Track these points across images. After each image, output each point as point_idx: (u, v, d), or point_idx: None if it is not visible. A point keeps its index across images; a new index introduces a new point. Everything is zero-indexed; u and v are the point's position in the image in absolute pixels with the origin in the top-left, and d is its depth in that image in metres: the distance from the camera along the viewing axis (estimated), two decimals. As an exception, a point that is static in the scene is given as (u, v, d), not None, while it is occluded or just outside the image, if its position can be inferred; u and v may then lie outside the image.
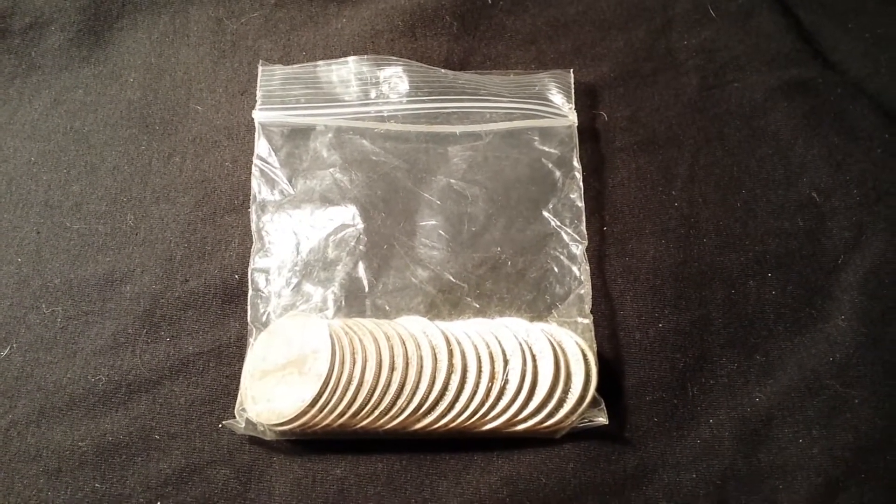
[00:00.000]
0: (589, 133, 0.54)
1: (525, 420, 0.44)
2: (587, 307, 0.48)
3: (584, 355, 0.46)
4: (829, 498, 0.44)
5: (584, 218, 0.50)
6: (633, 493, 0.44)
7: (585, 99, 0.56)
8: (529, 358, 0.45)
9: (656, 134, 0.55)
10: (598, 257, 0.50)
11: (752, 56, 0.57)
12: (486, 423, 0.44)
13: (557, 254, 0.49)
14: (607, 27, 0.59)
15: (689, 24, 0.58)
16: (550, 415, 0.44)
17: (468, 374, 0.45)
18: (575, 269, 0.49)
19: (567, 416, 0.44)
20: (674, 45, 0.58)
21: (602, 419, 0.45)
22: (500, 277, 0.49)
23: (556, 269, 0.49)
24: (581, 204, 0.51)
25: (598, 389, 0.45)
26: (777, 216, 0.52)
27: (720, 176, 0.53)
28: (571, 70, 0.55)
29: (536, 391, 0.45)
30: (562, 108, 0.53)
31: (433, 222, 0.50)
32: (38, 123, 0.55)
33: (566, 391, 0.45)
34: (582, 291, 0.48)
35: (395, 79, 0.54)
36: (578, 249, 0.49)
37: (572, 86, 0.54)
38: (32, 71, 0.57)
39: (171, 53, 0.57)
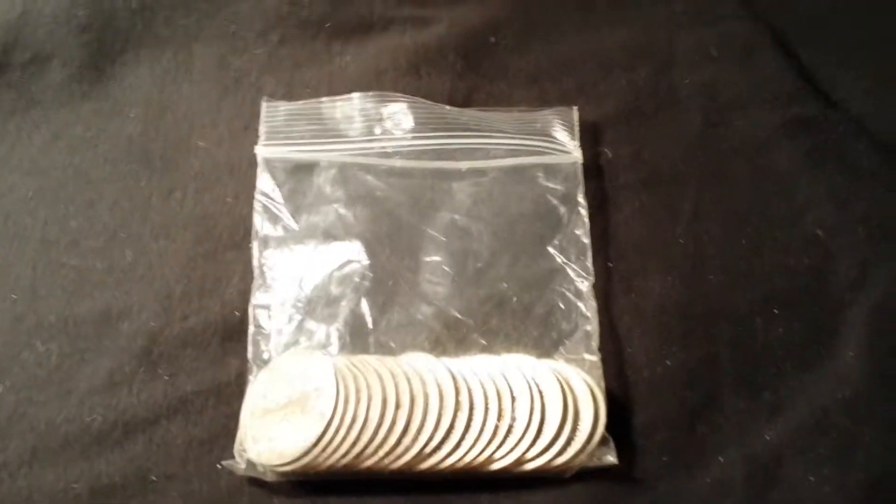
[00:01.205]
0: (593, 171, 0.54)
1: (533, 459, 0.43)
2: (594, 344, 0.47)
3: (593, 393, 0.45)
4: (844, 539, 0.43)
5: (589, 254, 0.50)
6: (644, 534, 0.43)
7: (589, 136, 0.55)
8: (537, 396, 0.44)
9: (660, 171, 0.55)
10: (603, 294, 0.50)
11: (754, 94, 0.57)
12: (493, 463, 0.43)
13: (563, 290, 0.49)
14: (610, 66, 0.59)
15: (692, 64, 0.59)
16: (559, 454, 0.43)
17: (475, 413, 0.44)
18: (581, 305, 0.48)
19: (576, 455, 0.43)
20: (676, 84, 0.58)
21: (611, 458, 0.44)
22: (505, 314, 0.48)
23: (562, 306, 0.48)
24: (587, 240, 0.50)
25: (606, 428, 0.44)
26: (783, 254, 0.51)
27: (725, 213, 0.53)
28: (575, 107, 0.55)
29: (544, 430, 0.44)
30: (566, 144, 0.53)
31: (437, 258, 0.50)
32: (36, 159, 0.54)
33: (574, 430, 0.44)
34: (589, 328, 0.47)
35: (399, 115, 0.54)
36: (585, 286, 0.49)
37: (576, 123, 0.54)
38: (32, 106, 0.56)
39: (174, 89, 0.57)
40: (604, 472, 0.44)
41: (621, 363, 0.48)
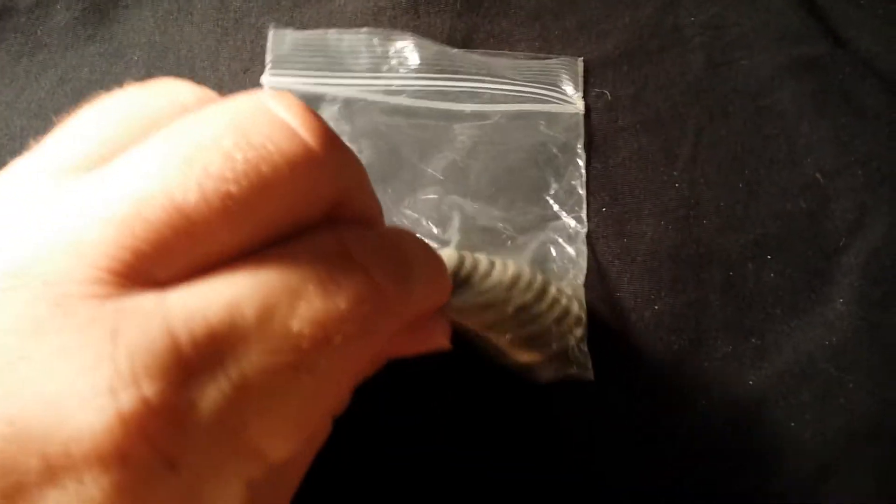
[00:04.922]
0: (592, 112, 0.54)
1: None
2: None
3: (578, 299, 0.46)
4: (820, 483, 0.44)
5: (584, 204, 0.50)
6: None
7: (589, 77, 0.55)
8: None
9: (660, 113, 0.54)
10: (594, 239, 0.50)
11: (761, 33, 0.56)
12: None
13: (556, 237, 0.49)
14: (614, 3, 0.57)
15: (698, 1, 0.57)
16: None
17: None
18: (572, 250, 0.49)
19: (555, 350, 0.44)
20: (681, 22, 0.57)
21: (589, 376, 0.45)
22: (500, 250, 0.49)
23: (553, 253, 0.49)
24: (582, 191, 0.50)
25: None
26: (780, 197, 0.51)
27: (723, 156, 0.52)
28: (581, 59, 0.54)
29: (520, 280, 0.43)
30: (570, 95, 0.53)
31: (434, 197, 0.50)
32: (44, 102, 0.55)
33: (554, 302, 0.44)
34: (579, 279, 0.48)
35: (406, 53, 0.54)
36: (578, 235, 0.49)
37: (581, 74, 0.54)
38: (38, 49, 0.57)
39: (175, 31, 0.57)
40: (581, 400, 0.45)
41: (609, 308, 0.49)
